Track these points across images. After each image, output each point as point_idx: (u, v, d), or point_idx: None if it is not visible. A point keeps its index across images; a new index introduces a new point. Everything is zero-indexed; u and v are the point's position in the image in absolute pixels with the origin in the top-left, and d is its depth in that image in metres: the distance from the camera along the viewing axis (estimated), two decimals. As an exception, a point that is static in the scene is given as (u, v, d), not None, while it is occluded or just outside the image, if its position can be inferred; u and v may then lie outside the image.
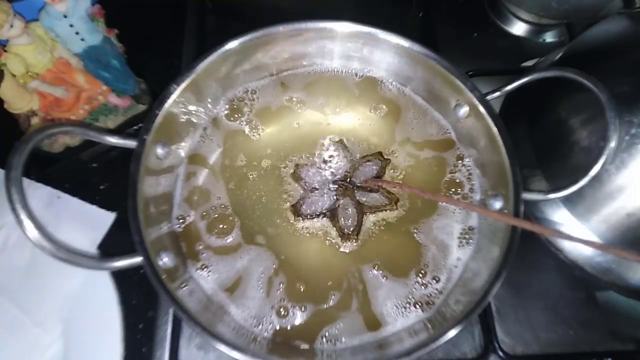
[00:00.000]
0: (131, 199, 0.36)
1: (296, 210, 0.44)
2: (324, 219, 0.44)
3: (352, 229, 0.43)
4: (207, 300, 0.40)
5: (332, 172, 0.46)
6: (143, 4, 0.60)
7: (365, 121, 0.48)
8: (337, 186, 0.45)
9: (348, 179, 0.45)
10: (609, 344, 0.46)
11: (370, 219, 0.44)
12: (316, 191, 0.45)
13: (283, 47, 0.45)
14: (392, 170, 0.46)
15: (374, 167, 0.46)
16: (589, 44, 0.46)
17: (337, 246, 0.43)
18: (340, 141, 0.47)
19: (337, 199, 0.44)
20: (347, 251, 0.43)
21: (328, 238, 0.43)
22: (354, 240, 0.43)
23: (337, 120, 0.48)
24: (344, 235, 0.43)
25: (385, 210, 0.44)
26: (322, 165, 0.46)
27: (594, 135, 0.39)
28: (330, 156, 0.46)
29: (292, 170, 0.45)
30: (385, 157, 0.46)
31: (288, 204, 0.44)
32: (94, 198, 0.49)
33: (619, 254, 0.33)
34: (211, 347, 0.44)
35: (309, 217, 0.44)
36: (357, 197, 0.45)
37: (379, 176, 0.45)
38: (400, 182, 0.45)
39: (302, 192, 0.45)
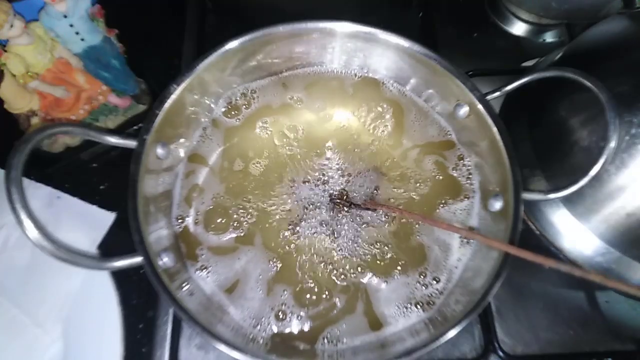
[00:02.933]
0: (131, 199, 0.36)
1: (293, 228, 0.43)
2: (321, 235, 0.43)
3: (349, 245, 0.43)
4: (207, 301, 0.40)
5: (328, 188, 0.45)
6: (143, 4, 0.60)
7: (365, 122, 0.48)
8: (333, 204, 0.44)
9: (345, 197, 0.45)
10: (609, 344, 0.46)
11: (371, 221, 0.44)
12: (313, 207, 0.44)
13: (283, 47, 0.45)
14: (391, 179, 0.46)
15: (370, 181, 0.45)
16: (589, 44, 0.46)
17: (338, 250, 0.43)
18: (335, 153, 0.46)
19: (335, 215, 0.44)
20: (348, 252, 0.43)
21: (327, 242, 0.43)
22: (353, 255, 0.42)
23: (336, 121, 0.48)
24: (340, 250, 0.43)
25: (383, 227, 0.44)
26: (318, 181, 0.45)
27: (594, 135, 0.39)
28: (327, 172, 0.46)
29: (287, 186, 0.45)
30: (381, 172, 0.46)
31: (286, 207, 0.44)
32: (94, 198, 0.49)
33: (614, 285, 0.33)
34: (211, 347, 0.44)
35: (305, 233, 0.43)
36: (355, 214, 0.44)
37: (376, 190, 0.45)
38: (400, 206, 0.44)
39: (298, 207, 0.44)
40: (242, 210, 0.44)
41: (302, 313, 0.40)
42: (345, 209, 0.44)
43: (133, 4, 0.58)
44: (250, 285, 0.41)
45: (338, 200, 0.44)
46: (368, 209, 0.44)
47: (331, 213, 0.44)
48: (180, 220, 0.43)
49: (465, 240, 0.43)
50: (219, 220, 0.43)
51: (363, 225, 0.44)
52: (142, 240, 0.35)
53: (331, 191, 0.45)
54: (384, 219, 0.44)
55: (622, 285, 0.33)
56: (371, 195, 0.45)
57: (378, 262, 0.42)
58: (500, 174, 0.40)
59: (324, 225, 0.44)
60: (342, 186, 0.45)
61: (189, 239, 0.42)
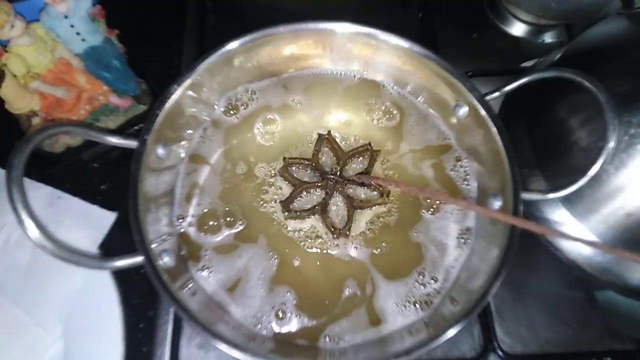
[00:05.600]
0: (132, 199, 0.36)
1: (286, 207, 0.43)
2: (315, 215, 0.43)
3: (342, 224, 0.43)
4: (208, 300, 0.40)
5: (321, 166, 0.45)
6: (144, 5, 0.60)
7: (364, 122, 0.48)
8: (326, 181, 0.44)
9: (338, 173, 0.45)
10: (608, 343, 0.46)
11: (369, 219, 0.44)
12: (306, 186, 0.44)
13: (283, 48, 0.45)
14: (390, 171, 0.46)
15: (364, 158, 0.45)
16: (588, 44, 0.46)
17: (336, 247, 0.43)
18: (329, 133, 0.46)
19: (327, 194, 0.44)
20: (346, 251, 0.43)
21: (324, 238, 0.43)
22: (345, 236, 0.42)
23: (336, 122, 0.48)
24: (334, 231, 0.42)
25: (377, 205, 0.44)
26: (312, 160, 0.45)
27: (593, 136, 0.40)
28: (319, 150, 0.46)
29: (280, 166, 0.45)
30: (375, 149, 0.46)
31: (281, 199, 0.44)
32: (94, 198, 0.49)
33: (619, 254, 0.33)
34: (212, 346, 0.44)
35: (298, 213, 0.43)
36: (348, 192, 0.44)
37: (369, 168, 0.45)
38: (395, 180, 0.44)
39: (291, 188, 0.45)
40: (242, 208, 0.44)
41: (302, 309, 0.40)
42: (340, 186, 0.44)
43: (134, 5, 0.58)
44: (251, 284, 0.41)
45: (331, 176, 0.44)
46: (363, 183, 0.44)
47: (327, 192, 0.44)
48: (181, 220, 0.43)
49: (462, 240, 0.43)
50: (219, 219, 0.43)
51: (360, 220, 0.44)
52: (143, 240, 0.35)
53: (325, 169, 0.45)
54: (379, 214, 0.44)
55: (621, 252, 0.33)
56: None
57: (377, 261, 0.43)
58: (500, 174, 0.40)
59: (322, 202, 0.44)
60: (336, 163, 0.45)
61: (189, 238, 0.42)
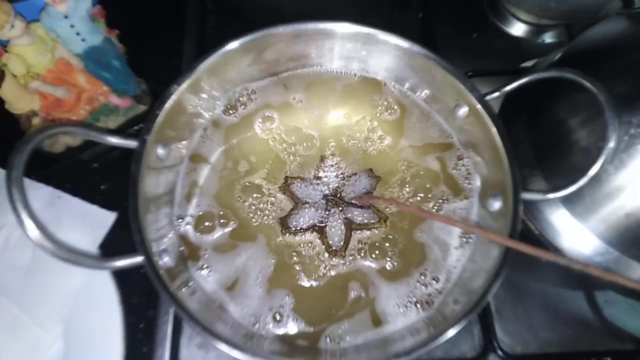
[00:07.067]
0: (132, 199, 0.36)
1: (284, 224, 0.43)
2: (312, 233, 0.43)
3: (339, 245, 0.43)
4: (208, 300, 0.40)
5: (322, 187, 0.45)
6: (143, 4, 0.61)
7: (364, 122, 0.48)
8: (326, 201, 0.44)
9: (338, 195, 0.45)
10: (609, 343, 0.46)
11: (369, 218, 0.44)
12: (305, 205, 0.44)
13: (283, 48, 0.45)
14: (389, 180, 0.46)
15: (365, 183, 0.45)
16: (588, 44, 0.46)
17: (335, 249, 0.43)
18: (333, 153, 0.46)
19: (326, 214, 0.44)
20: (347, 256, 0.43)
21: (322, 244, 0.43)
22: (341, 257, 0.42)
23: (336, 121, 0.48)
24: (331, 251, 0.42)
25: (374, 229, 0.44)
26: (313, 180, 0.46)
27: (593, 136, 0.40)
28: (321, 171, 0.46)
29: (281, 183, 0.45)
30: (376, 175, 0.46)
31: (279, 210, 0.44)
32: (94, 198, 0.49)
33: (618, 279, 0.33)
34: (212, 346, 0.44)
35: (296, 231, 0.43)
36: (346, 214, 0.44)
37: (370, 192, 0.45)
38: (394, 198, 0.45)
39: (291, 205, 0.45)
40: (241, 210, 0.44)
41: (301, 311, 0.40)
42: (339, 207, 0.44)
43: (134, 5, 0.58)
44: (249, 283, 0.41)
45: (331, 197, 0.44)
46: (362, 206, 0.44)
47: (326, 212, 0.44)
48: (180, 220, 0.43)
49: (464, 240, 0.43)
50: (219, 220, 0.43)
51: (360, 223, 0.44)
52: (143, 240, 0.35)
53: (326, 190, 0.45)
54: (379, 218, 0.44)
55: (620, 278, 0.33)
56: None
57: (378, 260, 0.43)
58: (500, 174, 0.40)
59: (320, 222, 0.44)
60: (337, 185, 0.45)
61: (189, 238, 0.42)
